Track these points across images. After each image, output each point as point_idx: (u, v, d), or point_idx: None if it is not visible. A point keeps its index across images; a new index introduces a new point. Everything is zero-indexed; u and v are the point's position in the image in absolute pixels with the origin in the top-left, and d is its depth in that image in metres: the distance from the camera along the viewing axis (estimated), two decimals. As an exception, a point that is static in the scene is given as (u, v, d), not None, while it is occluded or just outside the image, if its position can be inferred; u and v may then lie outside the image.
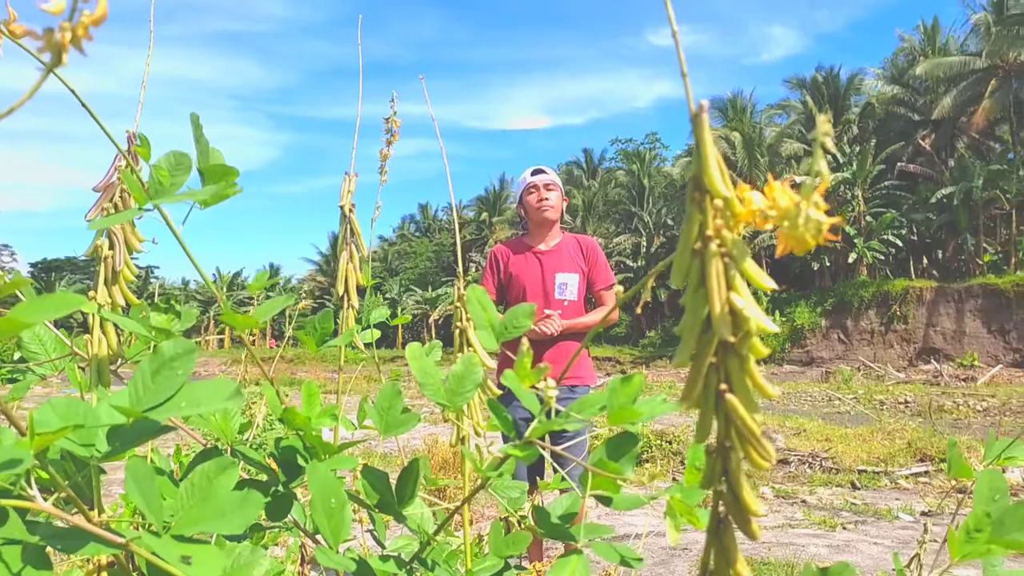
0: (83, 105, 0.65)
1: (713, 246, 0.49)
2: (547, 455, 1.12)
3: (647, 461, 8.53)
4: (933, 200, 34.80)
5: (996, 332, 31.02)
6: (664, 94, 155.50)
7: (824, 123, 0.42)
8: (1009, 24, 33.03)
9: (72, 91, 0.62)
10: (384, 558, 0.96)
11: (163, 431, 0.57)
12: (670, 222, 46.16)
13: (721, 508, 0.56)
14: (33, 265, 66.63)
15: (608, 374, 32.87)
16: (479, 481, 0.84)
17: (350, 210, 1.02)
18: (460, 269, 0.98)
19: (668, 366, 34.14)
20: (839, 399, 18.87)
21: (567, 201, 3.93)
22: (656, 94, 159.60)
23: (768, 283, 0.51)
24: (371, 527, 1.04)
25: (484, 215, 62.33)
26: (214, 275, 70.14)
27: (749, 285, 0.50)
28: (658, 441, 8.76)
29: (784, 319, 36.44)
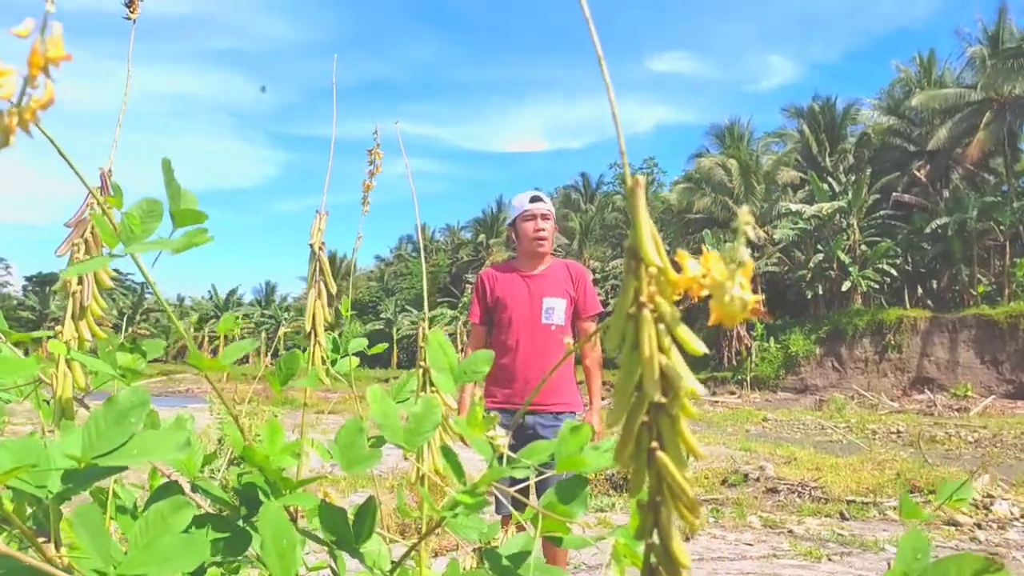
0: (60, 153, 0.67)
1: (646, 312, 0.51)
2: (532, 494, 1.14)
3: (637, 488, 8.50)
4: (928, 230, 34.97)
5: (989, 363, 31.07)
6: (662, 120, 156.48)
7: (745, 214, 0.44)
8: (1004, 58, 33.38)
9: (51, 140, 0.64)
10: (344, 594, 0.97)
11: (117, 470, 0.59)
12: (666, 247, 46.21)
13: (653, 559, 0.58)
14: (28, 279, 66.52)
15: (603, 399, 32.79)
16: (435, 520, 0.86)
17: (320, 248, 1.04)
18: (426, 311, 1.01)
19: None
20: (831, 428, 18.86)
21: (558, 229, 3.93)
22: (655, 119, 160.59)
23: (699, 347, 0.53)
24: (332, 563, 1.06)
25: (481, 237, 62.52)
26: (209, 293, 70.07)
27: (678, 349, 0.53)
28: (648, 468, 8.73)
29: (779, 346, 36.46)
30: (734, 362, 37.32)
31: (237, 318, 1.01)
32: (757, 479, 9.11)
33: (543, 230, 3.77)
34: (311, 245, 1.03)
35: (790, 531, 6.58)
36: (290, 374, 0.89)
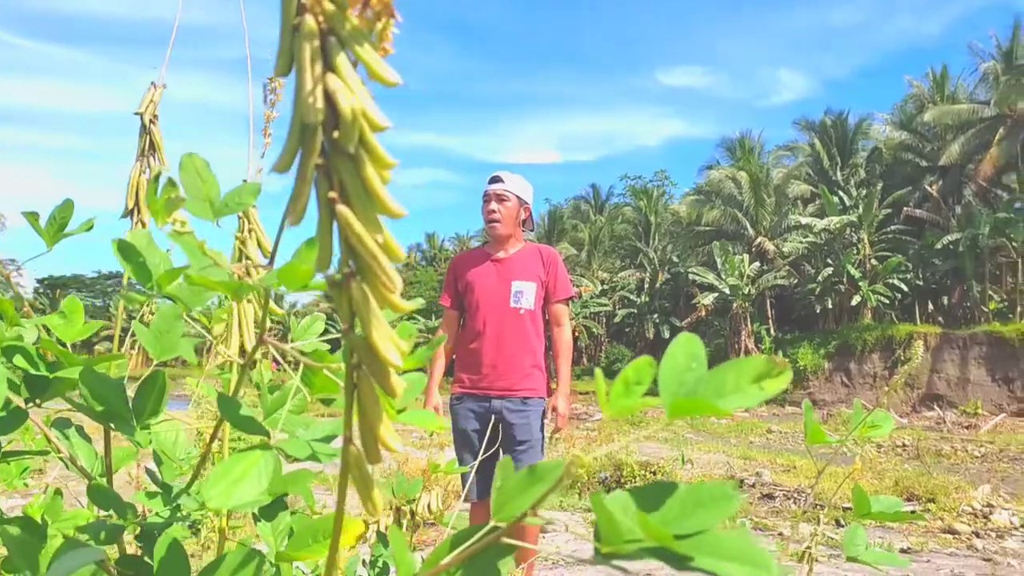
0: None
1: (310, 19, 0.40)
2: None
3: (629, 491, 8.35)
4: (939, 246, 34.62)
5: (1000, 380, 30.66)
6: (673, 134, 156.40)
7: None
8: (1017, 74, 33.12)
9: None
10: (151, 494, 0.87)
11: None
12: (675, 259, 46.10)
13: (355, 357, 0.47)
14: (39, 281, 66.66)
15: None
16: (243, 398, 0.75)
17: (151, 121, 0.93)
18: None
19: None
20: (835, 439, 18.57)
21: (529, 211, 3.80)
22: (665, 134, 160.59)
23: (390, 76, 0.43)
24: (156, 469, 0.95)
25: (490, 246, 62.49)
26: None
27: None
28: (642, 472, 8.59)
29: (787, 360, 36.03)
30: (741, 376, 36.89)
31: (276, 300, 0.90)
32: (753, 485, 8.95)
33: (495, 212, 3.67)
34: (140, 115, 0.93)
35: (781, 535, 6.43)
36: (63, 224, 0.78)
